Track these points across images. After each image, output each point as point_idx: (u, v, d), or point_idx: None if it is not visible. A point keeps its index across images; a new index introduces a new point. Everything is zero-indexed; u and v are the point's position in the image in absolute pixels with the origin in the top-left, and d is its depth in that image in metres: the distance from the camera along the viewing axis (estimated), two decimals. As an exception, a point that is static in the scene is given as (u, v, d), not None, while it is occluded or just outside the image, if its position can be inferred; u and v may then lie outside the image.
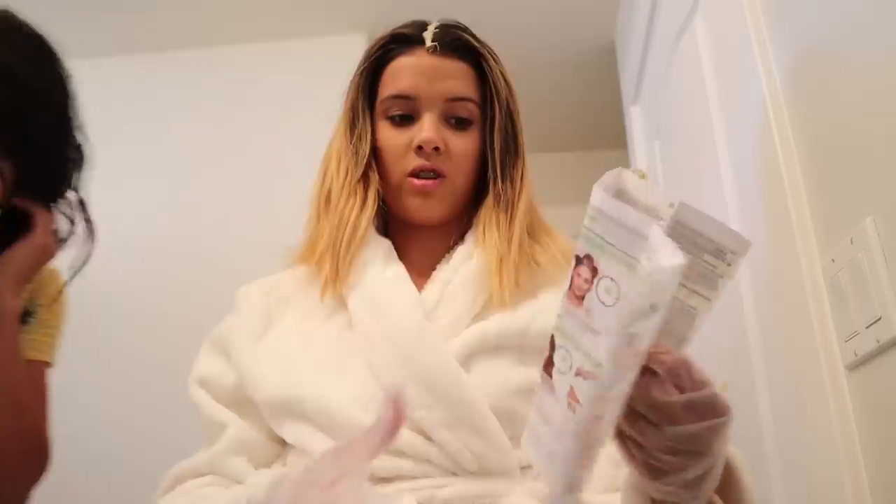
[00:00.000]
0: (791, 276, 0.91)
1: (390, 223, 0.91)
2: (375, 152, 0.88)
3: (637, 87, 2.10)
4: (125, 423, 2.00)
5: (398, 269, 0.84)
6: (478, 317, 0.82)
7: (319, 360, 0.80)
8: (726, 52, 1.19)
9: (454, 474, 0.73)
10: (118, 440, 1.99)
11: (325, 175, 0.89)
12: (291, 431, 0.77)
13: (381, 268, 0.84)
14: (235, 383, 0.82)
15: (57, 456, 0.95)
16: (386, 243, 0.87)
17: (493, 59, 0.89)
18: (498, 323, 0.79)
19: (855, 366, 0.78)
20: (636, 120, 2.15)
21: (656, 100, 1.83)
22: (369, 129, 0.88)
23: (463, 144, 0.86)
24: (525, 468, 0.75)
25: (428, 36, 0.87)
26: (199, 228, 2.22)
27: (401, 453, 0.73)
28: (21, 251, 0.92)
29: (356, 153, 0.87)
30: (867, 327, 0.73)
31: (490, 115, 0.87)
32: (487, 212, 0.86)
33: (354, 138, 0.88)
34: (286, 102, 2.31)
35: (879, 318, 0.71)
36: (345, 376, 0.78)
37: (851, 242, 0.76)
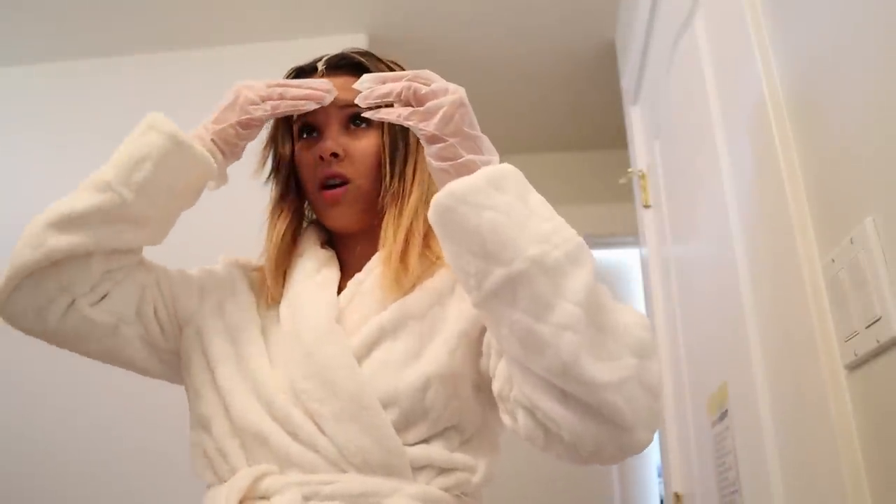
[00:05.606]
0: (791, 276, 0.91)
1: (333, 235, 0.97)
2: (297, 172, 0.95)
3: (637, 87, 2.10)
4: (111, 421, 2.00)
5: (329, 275, 0.90)
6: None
7: (249, 342, 0.86)
8: (726, 52, 1.19)
9: (342, 471, 0.75)
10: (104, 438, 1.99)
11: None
12: (195, 380, 0.85)
13: (312, 275, 0.90)
14: (180, 302, 0.93)
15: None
16: (324, 255, 0.93)
17: (385, 65, 0.93)
18: (392, 311, 0.83)
19: (855, 366, 0.78)
20: (636, 120, 2.15)
21: (656, 100, 1.83)
22: (288, 153, 0.96)
23: (362, 146, 0.91)
24: (420, 469, 0.77)
25: (320, 64, 0.94)
26: (198, 228, 2.21)
27: (294, 434, 0.77)
28: None
29: (276, 175, 0.98)
30: (867, 327, 0.73)
31: None
32: (387, 210, 0.90)
33: (276, 163, 0.98)
34: (286, 102, 2.31)
35: (879, 318, 0.71)
36: (260, 365, 0.84)
37: (851, 242, 0.76)
